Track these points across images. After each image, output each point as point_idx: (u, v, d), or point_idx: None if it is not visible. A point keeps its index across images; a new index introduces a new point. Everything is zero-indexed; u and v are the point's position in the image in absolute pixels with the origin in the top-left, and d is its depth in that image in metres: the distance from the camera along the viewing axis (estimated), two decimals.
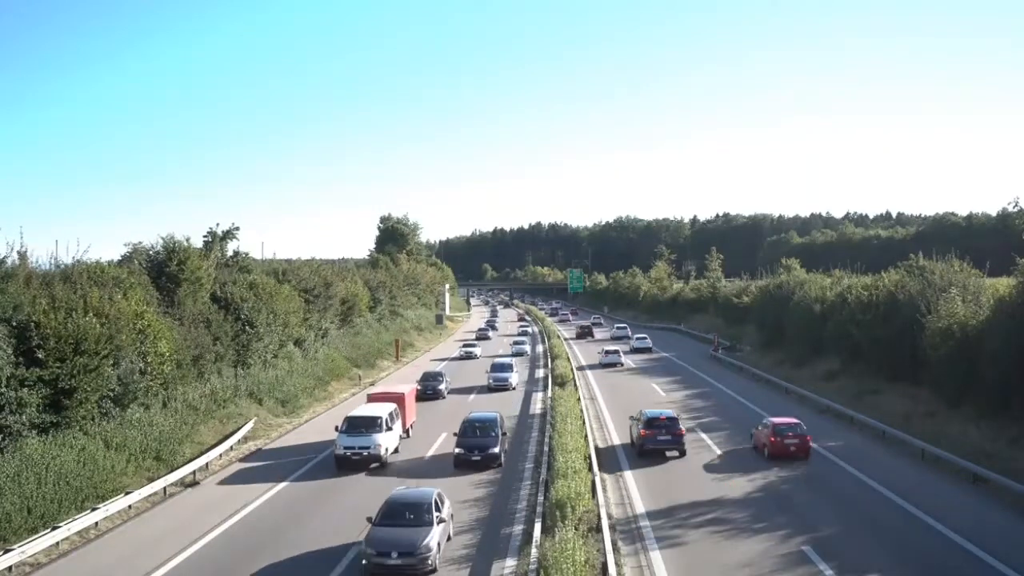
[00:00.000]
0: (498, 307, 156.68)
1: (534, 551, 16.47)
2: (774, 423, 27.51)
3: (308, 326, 47.91)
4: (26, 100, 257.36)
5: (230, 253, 48.28)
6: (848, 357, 41.57)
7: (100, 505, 20.80)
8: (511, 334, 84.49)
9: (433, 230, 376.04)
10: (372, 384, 48.45)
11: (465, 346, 66.11)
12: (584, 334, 79.13)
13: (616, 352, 57.30)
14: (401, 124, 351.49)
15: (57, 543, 18.80)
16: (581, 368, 53.88)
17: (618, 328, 79.20)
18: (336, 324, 55.35)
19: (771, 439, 26.82)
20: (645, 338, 67.84)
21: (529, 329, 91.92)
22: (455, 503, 22.25)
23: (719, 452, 28.32)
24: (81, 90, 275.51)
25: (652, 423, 27.59)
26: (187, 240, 37.85)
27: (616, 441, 30.73)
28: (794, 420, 28.03)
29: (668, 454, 27.32)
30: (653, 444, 27.25)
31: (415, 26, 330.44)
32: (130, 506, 22.00)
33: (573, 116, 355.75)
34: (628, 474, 25.44)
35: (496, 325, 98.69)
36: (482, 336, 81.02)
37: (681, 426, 27.92)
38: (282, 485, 24.95)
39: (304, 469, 27.02)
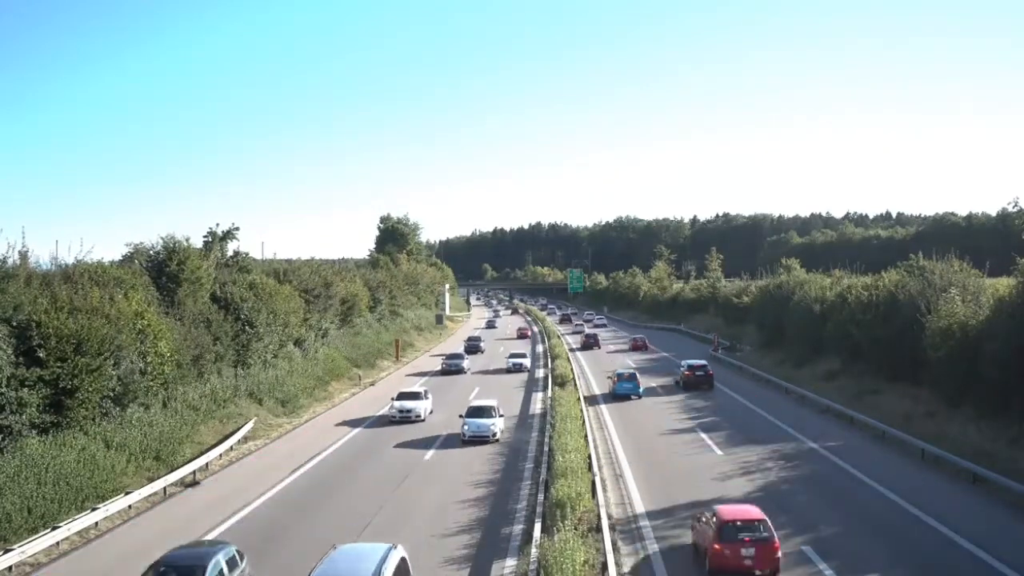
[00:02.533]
0: (500, 311, 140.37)
1: (534, 551, 16.46)
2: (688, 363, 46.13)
3: (308, 326, 47.92)
4: (26, 100, 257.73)
5: (230, 253, 48.24)
6: (848, 357, 41.55)
7: (100, 505, 20.81)
8: (498, 369, 54.23)
9: (433, 230, 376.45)
10: (372, 384, 48.46)
11: (402, 397, 36.55)
12: (565, 319, 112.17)
13: (581, 324, 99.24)
14: (401, 124, 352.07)
15: (57, 543, 18.80)
16: (562, 335, 78.07)
17: (587, 314, 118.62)
18: (336, 324, 55.34)
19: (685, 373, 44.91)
20: (603, 318, 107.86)
21: (525, 361, 54.79)
22: (455, 503, 22.29)
23: (719, 452, 28.33)
24: (81, 90, 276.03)
25: (621, 376, 42.58)
26: (187, 240, 37.88)
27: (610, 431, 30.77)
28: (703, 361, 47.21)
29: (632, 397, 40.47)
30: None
31: (415, 26, 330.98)
32: (130, 506, 22.00)
33: (573, 116, 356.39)
34: (627, 472, 25.47)
35: (481, 346, 67.97)
36: (452, 367, 52.83)
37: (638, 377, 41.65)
38: (283, 484, 24.96)
39: (305, 469, 27.05)
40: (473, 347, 66.67)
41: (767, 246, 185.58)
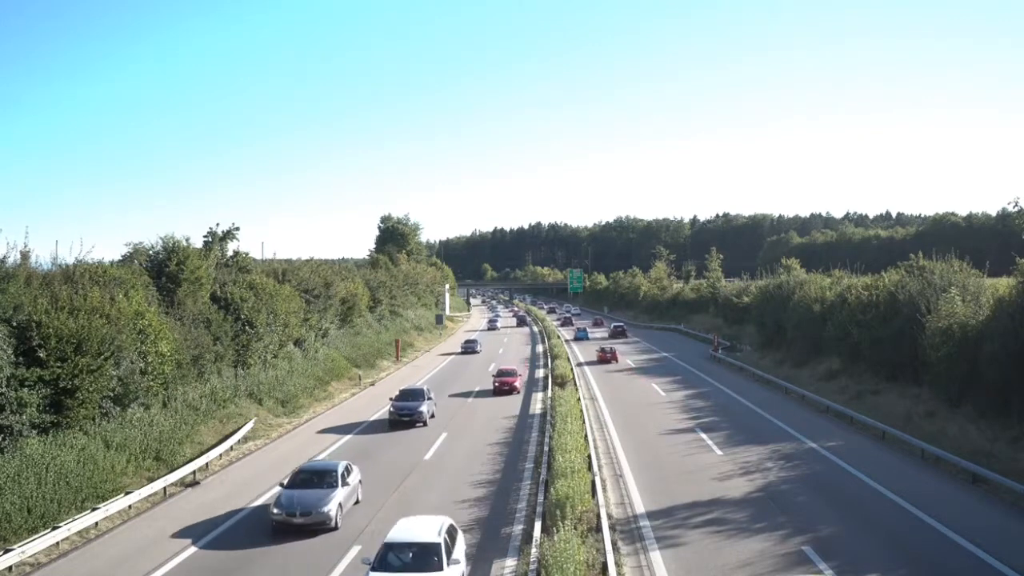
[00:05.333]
0: (499, 319, 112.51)
1: (534, 551, 16.46)
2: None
3: (308, 326, 47.90)
4: (27, 101, 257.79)
5: (230, 253, 48.21)
6: (848, 357, 41.53)
7: (100, 505, 20.80)
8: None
9: (433, 230, 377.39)
10: (372, 384, 48.43)
11: None
12: (552, 311, 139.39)
13: (563, 313, 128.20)
14: (401, 124, 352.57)
15: (57, 543, 18.80)
16: (554, 324, 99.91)
17: (567, 306, 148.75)
18: (336, 324, 55.33)
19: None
20: (578, 309, 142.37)
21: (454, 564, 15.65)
22: (455, 502, 22.27)
23: (719, 453, 28.31)
24: (81, 90, 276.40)
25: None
26: (187, 240, 37.87)
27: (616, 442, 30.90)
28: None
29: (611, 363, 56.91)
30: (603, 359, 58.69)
31: (415, 26, 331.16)
32: (130, 506, 22.00)
33: (573, 116, 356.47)
34: (628, 475, 25.50)
35: (422, 412, 33.65)
36: (290, 514, 19.73)
37: (616, 351, 59.20)
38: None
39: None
40: (405, 413, 33.64)
41: (767, 246, 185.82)
